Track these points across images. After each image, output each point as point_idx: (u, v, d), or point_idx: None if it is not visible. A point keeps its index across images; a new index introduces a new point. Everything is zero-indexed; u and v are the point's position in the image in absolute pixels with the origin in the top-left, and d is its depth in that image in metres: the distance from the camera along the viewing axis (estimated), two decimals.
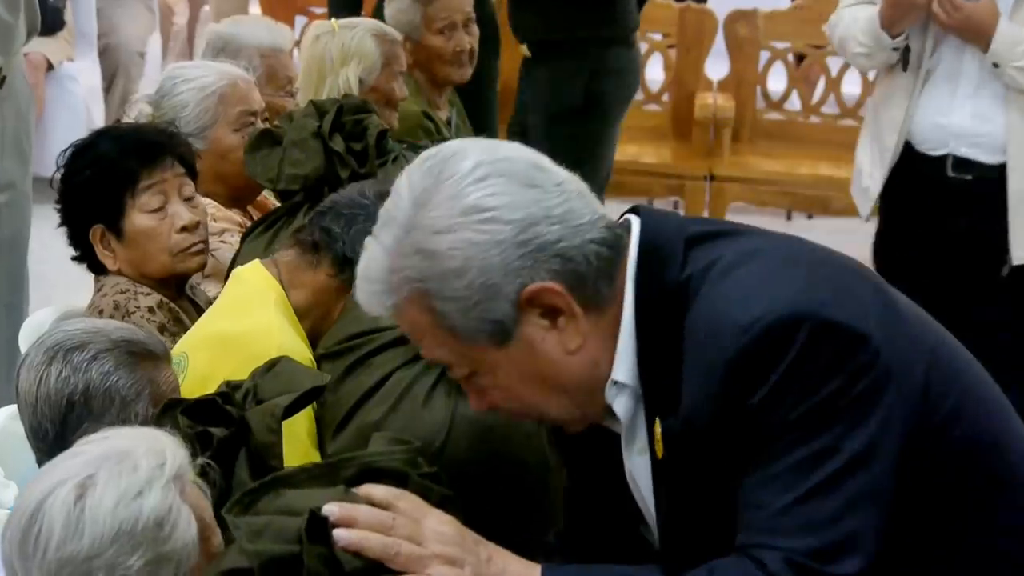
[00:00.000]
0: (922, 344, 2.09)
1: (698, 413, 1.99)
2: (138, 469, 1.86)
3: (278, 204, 3.50)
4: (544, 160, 2.05)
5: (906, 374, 2.02)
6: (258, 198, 3.94)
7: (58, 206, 3.20)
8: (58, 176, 3.20)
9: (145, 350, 2.42)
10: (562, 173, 2.04)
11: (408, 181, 2.02)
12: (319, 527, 1.85)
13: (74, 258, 3.23)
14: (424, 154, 2.05)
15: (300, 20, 7.71)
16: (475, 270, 1.96)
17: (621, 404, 2.08)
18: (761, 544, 1.95)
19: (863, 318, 1.99)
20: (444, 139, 4.44)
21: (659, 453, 2.06)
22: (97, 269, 3.20)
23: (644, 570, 2.00)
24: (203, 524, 1.91)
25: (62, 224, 3.21)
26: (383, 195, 2.66)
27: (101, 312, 3.07)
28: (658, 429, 2.05)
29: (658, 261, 2.04)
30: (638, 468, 2.12)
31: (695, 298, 2.01)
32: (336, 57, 4.41)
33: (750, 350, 1.95)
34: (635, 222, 2.08)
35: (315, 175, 3.12)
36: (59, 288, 4.59)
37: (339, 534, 1.86)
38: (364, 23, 4.57)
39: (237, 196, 3.78)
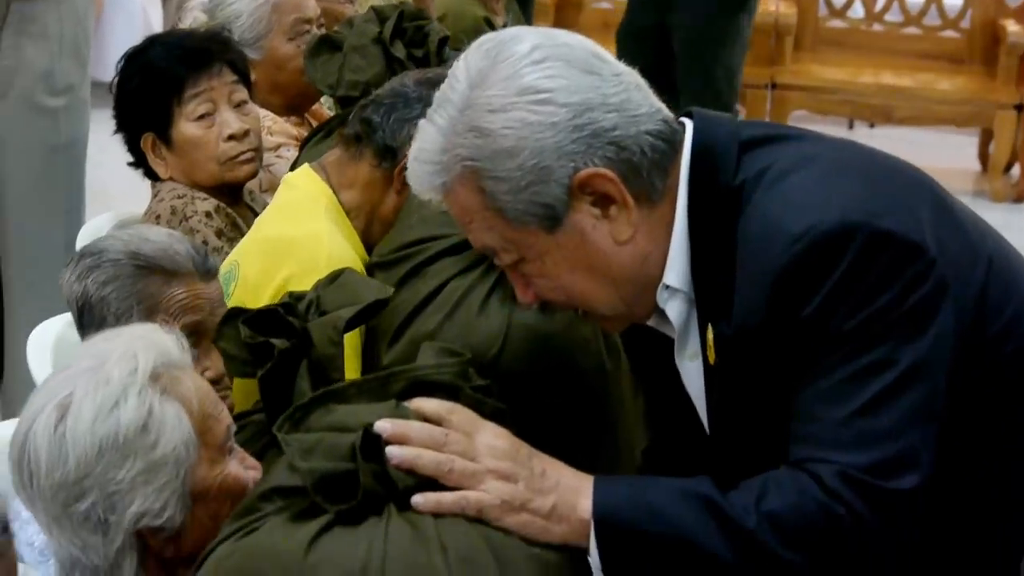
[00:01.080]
0: (979, 254, 2.06)
1: (750, 320, 1.97)
2: (110, 380, 1.84)
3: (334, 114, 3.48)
4: (603, 51, 2.03)
5: (962, 285, 2.00)
6: (315, 107, 3.93)
7: (113, 112, 3.20)
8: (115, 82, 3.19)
9: (156, 265, 2.35)
10: (620, 65, 2.02)
11: (465, 64, 2.01)
12: (372, 444, 1.83)
13: (130, 164, 3.23)
14: (482, 38, 2.04)
15: None
16: (528, 151, 1.94)
17: (674, 308, 2.06)
18: (816, 458, 1.93)
19: (918, 228, 1.96)
20: None
21: (711, 359, 2.05)
22: (153, 175, 3.20)
23: (695, 482, 1.97)
24: (199, 416, 1.89)
25: (117, 131, 3.20)
26: (422, 82, 2.66)
27: (158, 218, 3.06)
28: (710, 334, 2.04)
29: (712, 163, 2.02)
30: (690, 373, 2.12)
31: (748, 203, 1.99)
32: None
33: (802, 260, 1.92)
34: (689, 124, 2.07)
35: (376, 81, 3.10)
36: (117, 194, 4.59)
37: (392, 451, 1.83)
38: None
39: (293, 105, 3.77)
